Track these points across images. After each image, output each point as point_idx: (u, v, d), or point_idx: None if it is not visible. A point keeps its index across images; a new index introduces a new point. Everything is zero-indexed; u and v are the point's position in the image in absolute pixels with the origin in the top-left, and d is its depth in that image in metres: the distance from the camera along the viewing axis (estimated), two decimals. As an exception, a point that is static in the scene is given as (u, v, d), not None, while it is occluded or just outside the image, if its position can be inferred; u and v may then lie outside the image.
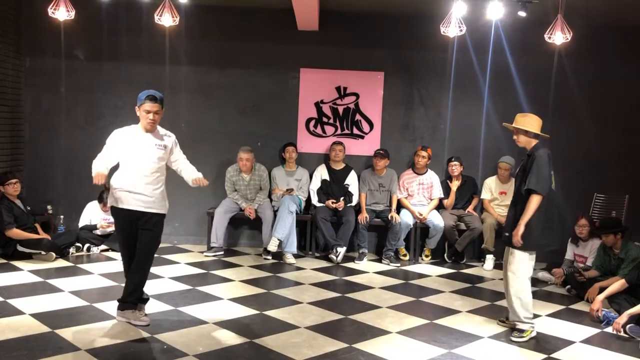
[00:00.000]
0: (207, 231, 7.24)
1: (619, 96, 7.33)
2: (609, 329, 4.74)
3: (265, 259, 6.81)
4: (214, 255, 6.84)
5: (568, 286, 5.94)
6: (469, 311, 5.15)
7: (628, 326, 4.58)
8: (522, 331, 4.47)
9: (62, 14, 5.91)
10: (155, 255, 6.74)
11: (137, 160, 4.35)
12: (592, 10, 6.40)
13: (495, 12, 5.76)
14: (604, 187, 7.14)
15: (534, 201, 4.33)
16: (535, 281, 5.62)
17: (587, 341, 4.54)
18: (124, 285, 4.49)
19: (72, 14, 5.96)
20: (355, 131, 7.52)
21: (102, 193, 6.79)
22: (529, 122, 4.51)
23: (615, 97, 7.33)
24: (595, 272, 5.66)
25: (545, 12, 6.02)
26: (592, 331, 4.77)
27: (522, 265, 4.47)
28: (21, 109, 7.35)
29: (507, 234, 4.55)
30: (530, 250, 4.46)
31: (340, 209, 6.99)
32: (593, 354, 4.28)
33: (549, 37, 5.82)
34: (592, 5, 6.23)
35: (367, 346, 4.17)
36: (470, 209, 7.24)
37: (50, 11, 5.90)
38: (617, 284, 4.99)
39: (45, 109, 7.40)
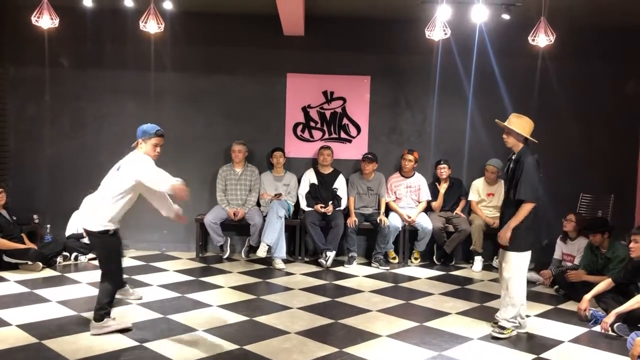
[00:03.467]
0: (195, 238, 7.21)
1: (603, 97, 7.40)
2: (597, 328, 4.77)
3: (248, 258, 7.01)
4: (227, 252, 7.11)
5: (556, 286, 5.99)
6: (459, 313, 5.17)
7: (616, 325, 4.62)
8: (503, 328, 4.52)
9: (45, 21, 5.85)
10: (144, 262, 6.83)
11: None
12: (574, 11, 6.47)
13: (479, 15, 5.80)
14: (589, 187, 7.21)
15: (525, 209, 4.41)
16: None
17: (576, 340, 4.57)
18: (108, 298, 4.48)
19: (56, 21, 5.91)
20: (343, 135, 7.54)
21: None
22: (522, 125, 4.51)
23: (598, 97, 7.40)
24: (583, 272, 5.69)
25: (528, 14, 6.08)
26: (580, 330, 4.80)
27: (516, 267, 4.51)
28: (5, 117, 7.29)
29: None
30: (523, 251, 4.51)
31: (329, 214, 6.99)
32: (582, 353, 4.31)
33: (533, 40, 5.87)
34: (575, 6, 6.30)
35: (357, 350, 4.17)
36: (458, 210, 7.28)
37: (33, 19, 5.84)
38: (603, 283, 5.04)
39: (30, 117, 7.34)
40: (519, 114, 4.61)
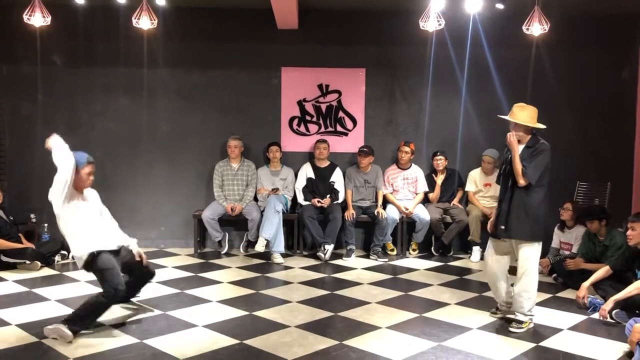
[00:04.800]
0: (193, 234, 7.21)
1: (597, 85, 7.40)
2: (596, 315, 4.80)
3: (247, 253, 7.05)
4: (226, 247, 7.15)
5: (554, 275, 6.01)
6: (458, 303, 5.19)
7: (614, 312, 4.64)
8: (521, 322, 4.49)
9: (37, 20, 5.82)
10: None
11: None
12: (568, 0, 6.46)
13: (473, 5, 5.79)
14: (586, 175, 7.22)
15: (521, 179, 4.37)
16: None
17: (575, 328, 4.59)
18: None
19: (48, 19, 5.88)
20: (339, 128, 7.53)
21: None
22: (529, 116, 4.43)
23: (593, 86, 7.40)
24: (581, 261, 5.71)
25: (522, 3, 6.06)
26: (579, 318, 4.82)
27: (531, 258, 4.45)
28: (0, 117, 7.26)
29: (502, 227, 4.50)
30: (540, 240, 4.48)
31: (326, 206, 6.99)
32: (581, 341, 4.33)
33: (527, 29, 5.86)
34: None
35: (357, 342, 4.18)
36: (455, 201, 7.29)
37: (25, 17, 5.82)
38: (601, 271, 5.06)
39: (24, 116, 7.31)
40: (522, 104, 4.50)
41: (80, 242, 4.42)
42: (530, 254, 4.47)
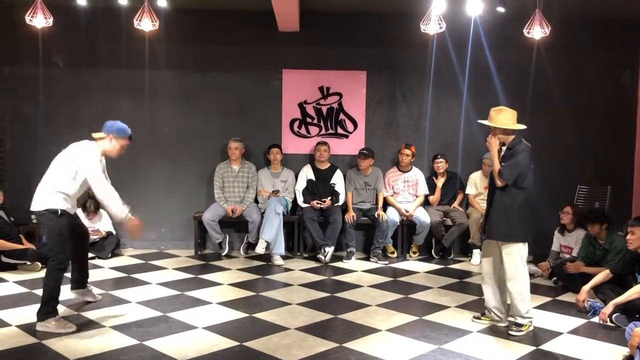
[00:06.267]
0: (194, 235, 7.21)
1: (597, 88, 7.41)
2: (596, 319, 4.79)
3: (247, 255, 7.06)
4: (226, 249, 7.11)
5: (554, 278, 6.01)
6: (458, 306, 5.18)
7: (614, 315, 4.64)
8: (520, 325, 4.48)
9: (39, 21, 5.85)
10: (142, 261, 6.83)
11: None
12: (569, 3, 6.47)
13: (474, 8, 5.80)
14: (586, 178, 7.22)
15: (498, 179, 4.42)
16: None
17: (575, 332, 4.59)
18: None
19: (50, 21, 5.90)
20: (340, 131, 7.54)
21: (85, 202, 6.73)
22: (507, 118, 4.46)
23: (594, 88, 7.41)
24: (581, 264, 5.71)
25: (523, 6, 6.08)
26: (579, 322, 4.82)
27: (518, 260, 4.46)
28: (1, 118, 7.27)
29: (486, 227, 4.56)
30: (525, 241, 4.48)
31: (324, 207, 6.99)
32: (580, 344, 4.33)
33: (528, 32, 5.87)
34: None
35: (357, 345, 4.18)
36: (455, 204, 7.29)
37: (27, 19, 5.84)
38: (602, 274, 5.06)
39: (26, 117, 7.32)
40: (499, 108, 4.54)
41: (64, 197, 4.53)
42: (513, 256, 4.47)
